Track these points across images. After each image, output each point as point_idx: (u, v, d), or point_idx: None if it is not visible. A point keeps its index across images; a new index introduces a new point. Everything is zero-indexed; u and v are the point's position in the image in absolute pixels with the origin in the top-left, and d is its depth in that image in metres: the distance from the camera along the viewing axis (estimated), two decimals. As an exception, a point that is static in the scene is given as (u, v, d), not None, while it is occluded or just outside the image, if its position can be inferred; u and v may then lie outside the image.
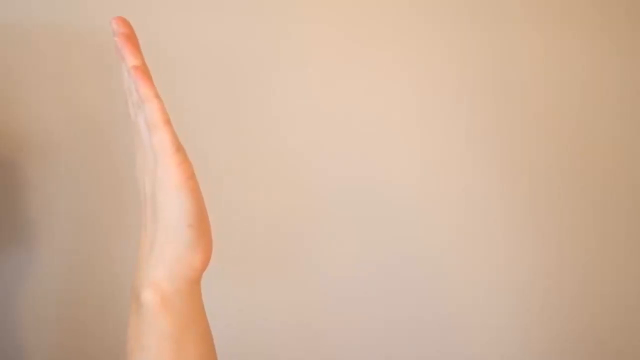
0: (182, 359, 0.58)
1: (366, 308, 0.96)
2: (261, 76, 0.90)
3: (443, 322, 0.99)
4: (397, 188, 0.97)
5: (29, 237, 0.83)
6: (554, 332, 1.04)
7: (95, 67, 0.84)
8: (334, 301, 0.95)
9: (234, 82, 0.89)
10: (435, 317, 0.99)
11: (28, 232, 0.83)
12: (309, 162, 0.93)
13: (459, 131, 0.98)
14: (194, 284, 0.59)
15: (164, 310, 0.57)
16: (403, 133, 0.97)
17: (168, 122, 0.56)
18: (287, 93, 0.92)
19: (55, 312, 0.85)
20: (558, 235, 1.03)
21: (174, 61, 0.87)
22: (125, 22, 0.58)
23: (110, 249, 0.85)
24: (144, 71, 0.56)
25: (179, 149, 0.56)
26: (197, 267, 0.57)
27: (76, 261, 0.85)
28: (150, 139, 0.56)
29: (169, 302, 0.57)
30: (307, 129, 0.93)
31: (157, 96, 0.56)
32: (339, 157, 0.94)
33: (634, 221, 1.06)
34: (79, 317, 0.86)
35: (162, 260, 0.57)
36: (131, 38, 0.57)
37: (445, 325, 0.99)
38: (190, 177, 0.56)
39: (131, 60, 0.57)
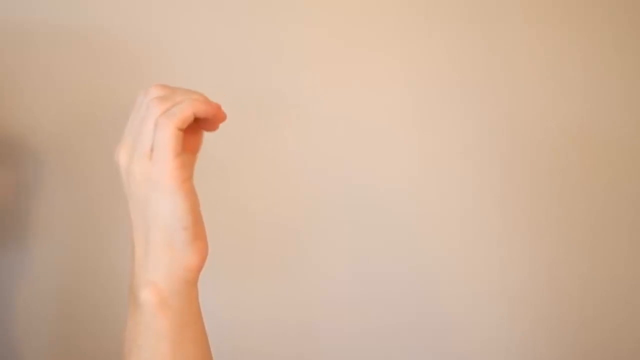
0: (179, 359, 0.58)
1: (362, 308, 0.96)
2: (258, 77, 0.90)
3: (439, 323, 0.99)
4: (394, 189, 0.97)
5: (25, 236, 0.84)
6: (551, 335, 1.04)
7: (94, 67, 0.84)
8: (330, 302, 0.95)
9: (230, 81, 0.89)
10: (432, 318, 0.99)
11: (25, 231, 0.84)
12: (306, 162, 0.93)
13: (457, 134, 0.98)
14: (191, 285, 0.59)
15: (162, 311, 0.57)
16: (401, 135, 0.97)
17: (181, 129, 0.56)
18: (285, 94, 0.92)
19: (51, 311, 0.85)
20: (555, 238, 1.03)
21: (173, 61, 0.87)
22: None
23: (107, 247, 0.85)
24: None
25: (179, 154, 0.56)
26: (193, 269, 0.57)
27: (73, 260, 0.85)
28: (153, 136, 0.56)
29: (167, 302, 0.58)
30: (304, 130, 0.93)
31: (194, 115, 0.57)
32: (337, 158, 0.94)
33: (634, 224, 1.06)
34: (75, 316, 0.86)
35: (159, 261, 0.57)
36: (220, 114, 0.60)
37: (441, 326, 0.99)
38: (186, 180, 0.56)
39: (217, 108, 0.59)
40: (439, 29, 0.97)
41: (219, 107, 0.59)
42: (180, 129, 0.56)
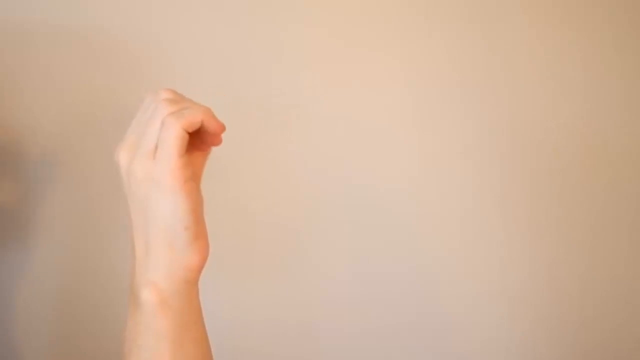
0: (179, 359, 0.58)
1: (362, 308, 0.96)
2: (258, 77, 0.90)
3: (440, 323, 0.99)
4: (394, 189, 0.97)
5: (25, 236, 0.84)
6: (551, 335, 1.04)
7: (94, 67, 0.84)
8: (330, 302, 0.95)
9: (230, 81, 0.89)
10: (432, 318, 0.99)
11: (25, 231, 0.84)
12: (306, 162, 0.93)
13: (457, 134, 0.98)
14: (192, 285, 0.59)
15: (163, 311, 0.58)
16: (401, 135, 0.97)
17: (187, 132, 0.56)
18: (285, 94, 0.92)
19: (51, 311, 0.85)
20: (555, 238, 1.03)
21: (173, 61, 0.87)
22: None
23: (107, 247, 0.85)
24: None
25: (183, 154, 0.56)
26: (193, 269, 0.57)
27: (73, 260, 0.85)
28: (159, 135, 0.56)
29: (167, 302, 0.58)
30: (304, 129, 0.93)
31: (202, 122, 0.57)
32: (336, 158, 0.94)
33: (634, 224, 1.06)
34: (75, 316, 0.86)
35: (159, 261, 0.57)
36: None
37: (441, 326, 1.00)
38: (188, 180, 0.56)
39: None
40: (439, 29, 0.97)
41: (223, 127, 0.60)
42: (187, 131, 0.56)
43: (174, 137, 0.55)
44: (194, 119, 0.56)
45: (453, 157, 0.98)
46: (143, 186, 0.56)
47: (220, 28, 0.89)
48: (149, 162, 0.56)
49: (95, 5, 0.84)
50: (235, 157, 0.90)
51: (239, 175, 0.90)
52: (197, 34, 0.88)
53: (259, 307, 0.92)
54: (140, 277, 0.58)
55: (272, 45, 0.91)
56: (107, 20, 0.84)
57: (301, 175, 0.93)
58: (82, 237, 0.85)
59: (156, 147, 0.56)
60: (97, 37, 0.84)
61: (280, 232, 0.92)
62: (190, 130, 0.56)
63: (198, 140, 0.59)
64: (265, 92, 0.90)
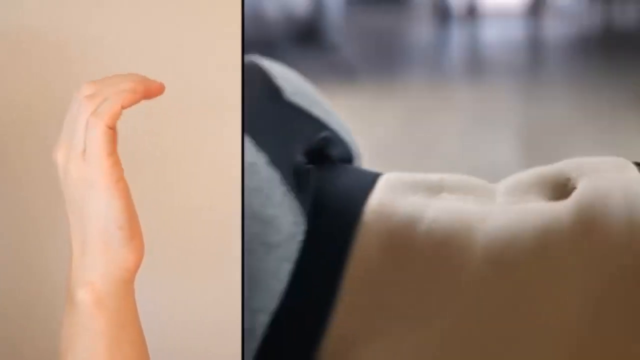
0: (116, 359, 0.59)
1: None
2: (193, 71, 0.89)
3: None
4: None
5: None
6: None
7: (24, 65, 0.83)
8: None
9: (165, 76, 0.88)
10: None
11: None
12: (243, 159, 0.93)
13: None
14: (128, 285, 0.59)
15: (99, 311, 0.58)
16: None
17: (113, 127, 0.57)
18: (220, 89, 0.91)
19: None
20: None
21: (108, 59, 0.86)
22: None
23: (44, 246, 0.84)
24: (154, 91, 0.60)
25: (112, 153, 0.56)
26: (129, 268, 0.58)
27: (9, 260, 0.84)
28: (85, 135, 0.56)
29: (104, 302, 0.58)
30: (240, 126, 0.92)
31: (121, 111, 0.57)
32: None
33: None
34: (11, 316, 0.85)
35: (96, 261, 0.57)
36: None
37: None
38: (120, 179, 0.57)
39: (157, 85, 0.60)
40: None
41: (152, 89, 0.60)
42: (111, 127, 0.56)
43: (99, 137, 0.56)
44: (113, 111, 0.57)
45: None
46: (78, 186, 0.57)
47: (150, 24, 0.88)
48: (80, 163, 0.57)
49: (23, 5, 0.83)
50: (170, 154, 0.89)
51: (175, 173, 0.90)
52: (125, 29, 0.87)
53: (195, 307, 0.91)
54: (77, 277, 0.59)
55: (207, 40, 0.90)
56: (36, 19, 0.84)
57: (238, 173, 0.93)
58: (18, 237, 0.84)
59: (84, 148, 0.56)
60: (26, 35, 0.83)
61: (217, 231, 0.92)
62: (114, 125, 0.57)
63: None
64: (203, 90, 0.90)
